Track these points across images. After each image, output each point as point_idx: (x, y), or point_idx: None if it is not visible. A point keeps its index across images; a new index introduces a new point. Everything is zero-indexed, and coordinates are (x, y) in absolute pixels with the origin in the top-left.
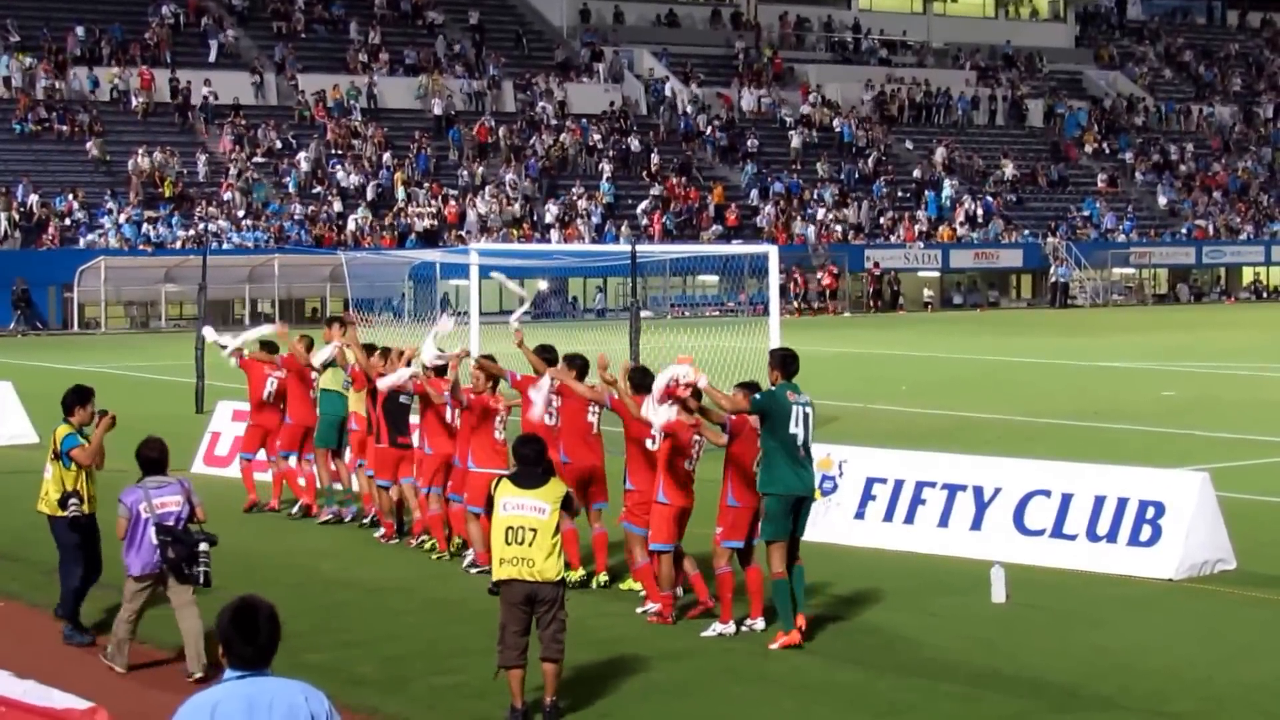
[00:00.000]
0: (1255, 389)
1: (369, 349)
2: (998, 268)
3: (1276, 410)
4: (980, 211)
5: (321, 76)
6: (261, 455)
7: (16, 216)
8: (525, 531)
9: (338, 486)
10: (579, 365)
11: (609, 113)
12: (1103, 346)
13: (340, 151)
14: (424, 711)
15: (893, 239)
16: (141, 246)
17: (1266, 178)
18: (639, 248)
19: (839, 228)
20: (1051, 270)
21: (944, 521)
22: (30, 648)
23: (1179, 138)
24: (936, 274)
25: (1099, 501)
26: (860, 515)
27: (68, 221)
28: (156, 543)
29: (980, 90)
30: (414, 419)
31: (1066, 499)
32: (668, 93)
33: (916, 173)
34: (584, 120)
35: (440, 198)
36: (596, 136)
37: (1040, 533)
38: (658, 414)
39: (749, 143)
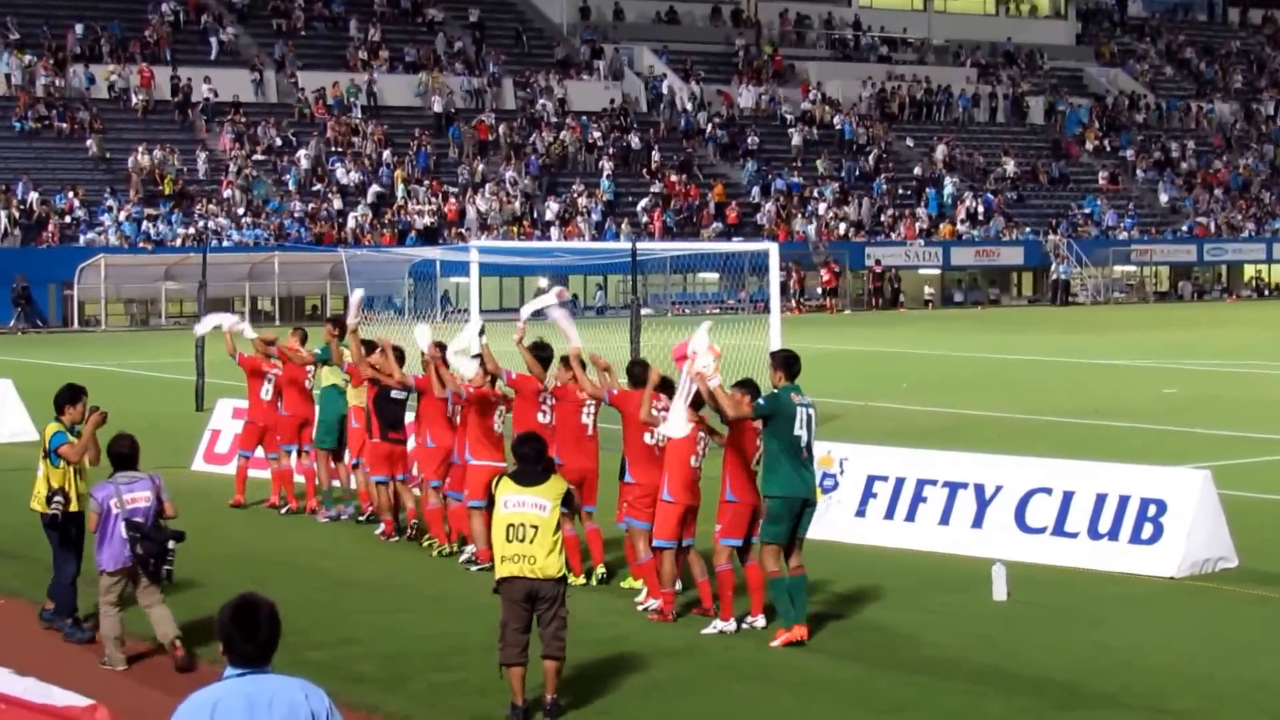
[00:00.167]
0: (1256, 387)
1: (369, 346)
2: (999, 265)
3: (1278, 408)
4: (981, 209)
5: (321, 74)
6: (259, 453)
7: (16, 214)
8: (526, 529)
9: (336, 484)
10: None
11: (609, 110)
12: (1104, 344)
13: (340, 149)
14: (424, 709)
15: (893, 236)
16: (141, 244)
17: (1268, 175)
18: (639, 245)
19: (840, 225)
20: (1052, 268)
21: (945, 519)
22: (30, 645)
23: (1180, 135)
24: (937, 271)
25: (1100, 499)
26: (861, 513)
27: (68, 219)
28: (126, 538)
29: (981, 87)
30: (409, 416)
31: (1068, 497)
32: (668, 90)
33: (917, 170)
34: (584, 118)
35: (440, 195)
36: (597, 134)
37: (1041, 530)
38: (676, 426)
39: (749, 140)
